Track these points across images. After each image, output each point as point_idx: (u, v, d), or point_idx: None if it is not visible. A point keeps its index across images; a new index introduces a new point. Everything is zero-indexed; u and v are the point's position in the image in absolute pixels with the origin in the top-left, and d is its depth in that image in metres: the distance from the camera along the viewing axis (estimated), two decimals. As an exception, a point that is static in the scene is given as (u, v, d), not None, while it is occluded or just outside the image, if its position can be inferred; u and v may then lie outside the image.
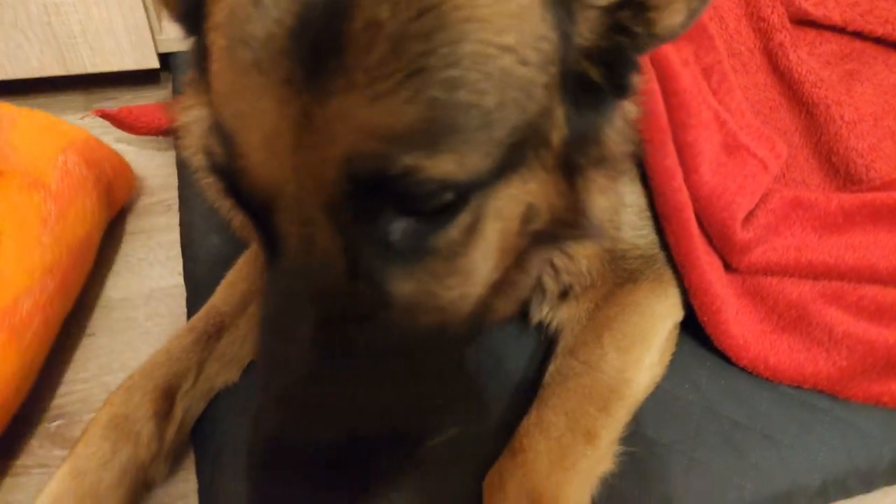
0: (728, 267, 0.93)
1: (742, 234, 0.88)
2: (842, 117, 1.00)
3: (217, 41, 0.51)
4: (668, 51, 0.86)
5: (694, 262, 0.86)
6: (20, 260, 0.91)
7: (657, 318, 0.87)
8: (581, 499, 0.73)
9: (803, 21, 1.04)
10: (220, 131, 0.52)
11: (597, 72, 0.58)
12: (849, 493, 0.86)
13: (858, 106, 1.01)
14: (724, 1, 1.02)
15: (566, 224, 0.64)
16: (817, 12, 1.02)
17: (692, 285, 0.87)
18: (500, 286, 0.65)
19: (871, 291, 0.90)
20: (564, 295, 0.86)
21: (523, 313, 0.90)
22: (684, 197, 0.84)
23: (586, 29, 0.56)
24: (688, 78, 0.85)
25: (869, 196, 0.94)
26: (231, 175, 0.51)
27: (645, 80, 0.82)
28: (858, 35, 1.05)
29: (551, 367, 0.83)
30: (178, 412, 0.82)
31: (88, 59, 1.35)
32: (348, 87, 0.45)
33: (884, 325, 0.89)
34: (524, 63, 0.51)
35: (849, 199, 0.95)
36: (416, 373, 0.57)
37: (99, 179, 1.10)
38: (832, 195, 0.96)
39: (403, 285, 0.53)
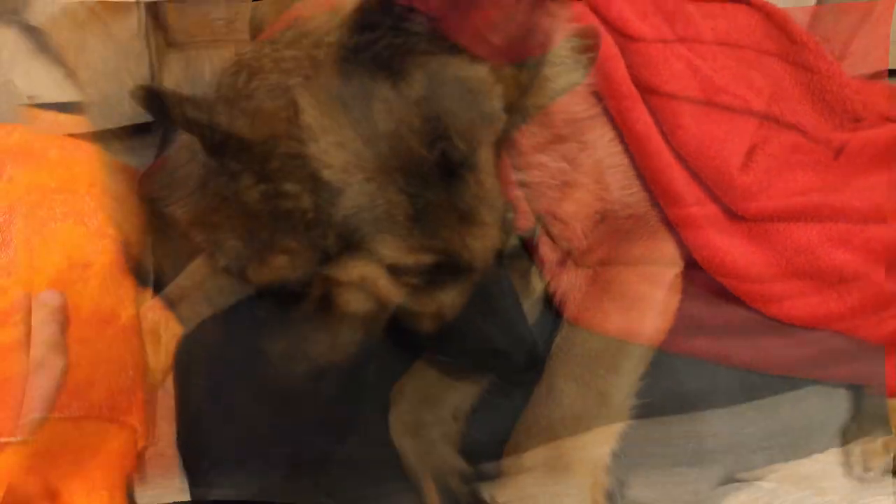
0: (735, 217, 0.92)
1: (742, 179, 0.86)
2: (832, 52, 0.98)
3: None
4: (623, 7, 0.85)
5: (684, 220, 0.85)
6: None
7: (656, 273, 0.87)
8: (598, 458, 0.75)
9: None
10: None
11: None
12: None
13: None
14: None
15: None
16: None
17: (690, 243, 0.86)
18: None
19: (877, 232, 0.89)
20: (562, 263, 0.86)
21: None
22: (664, 159, 0.83)
23: None
24: (648, 30, 0.84)
25: (871, 133, 0.93)
26: None
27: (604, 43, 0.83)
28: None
29: (557, 338, 0.83)
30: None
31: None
32: None
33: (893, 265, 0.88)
34: None
35: (851, 138, 0.93)
36: None
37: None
38: (832, 135, 0.94)
39: None
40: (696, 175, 0.88)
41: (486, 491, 0.78)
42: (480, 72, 0.71)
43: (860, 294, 0.86)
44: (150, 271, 1.06)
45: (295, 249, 0.71)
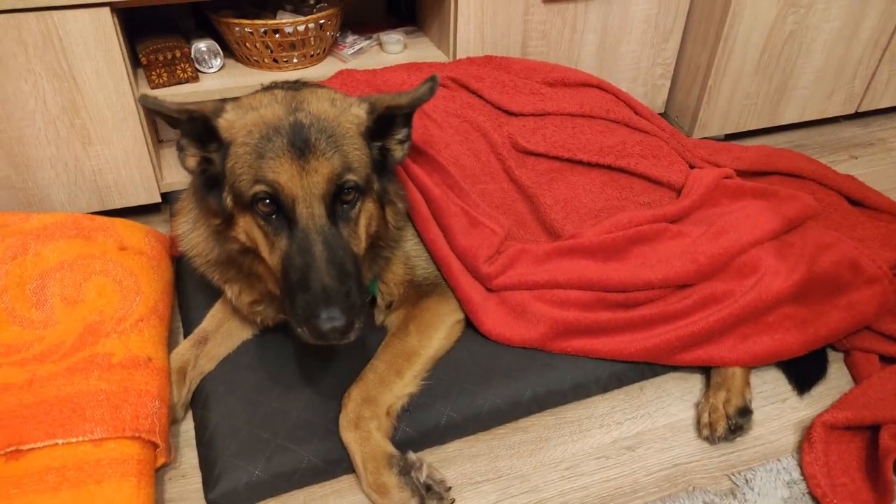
0: (489, 289, 1.72)
1: (486, 269, 1.68)
2: (545, 203, 1.83)
3: (244, 148, 1.29)
4: (425, 179, 1.68)
5: (458, 288, 1.65)
6: (150, 286, 1.69)
7: (442, 314, 1.65)
8: (392, 403, 1.48)
9: (527, 152, 1.89)
10: (262, 182, 1.25)
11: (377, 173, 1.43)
12: (550, 404, 1.61)
13: (556, 196, 1.85)
14: (477, 145, 1.87)
15: (381, 231, 1.48)
16: (531, 147, 1.88)
17: (461, 300, 1.66)
18: (364, 258, 1.45)
19: (557, 293, 1.69)
20: (389, 306, 1.64)
21: (372, 318, 1.68)
22: (444, 254, 1.64)
23: (374, 152, 1.42)
24: (438, 191, 1.67)
25: (557, 244, 1.75)
26: (272, 194, 1.26)
27: (413, 193, 1.65)
28: (556, 158, 1.90)
29: (383, 343, 1.59)
30: (188, 381, 1.57)
31: (119, 199, 2.16)
32: (318, 155, 1.27)
33: (563, 309, 1.67)
34: (362, 150, 1.36)
35: (549, 246, 1.76)
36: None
37: (164, 246, 1.89)
38: (541, 245, 1.77)
39: (345, 232, 1.32)
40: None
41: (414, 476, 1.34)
42: None
43: (545, 326, 1.64)
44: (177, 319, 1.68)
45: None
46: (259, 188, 1.26)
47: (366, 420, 1.42)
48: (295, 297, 1.24)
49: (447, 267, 1.65)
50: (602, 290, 1.69)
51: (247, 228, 1.34)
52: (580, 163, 1.90)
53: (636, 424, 1.61)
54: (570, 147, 1.90)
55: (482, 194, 1.84)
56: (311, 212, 1.27)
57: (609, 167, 1.91)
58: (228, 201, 1.34)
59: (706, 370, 1.72)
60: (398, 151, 1.49)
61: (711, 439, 1.56)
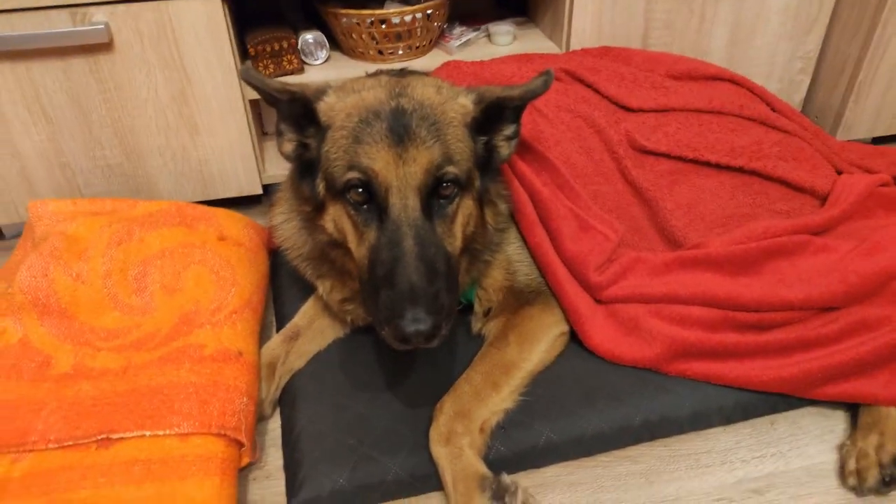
0: (599, 301, 1.56)
1: (595, 278, 1.52)
2: (666, 208, 1.64)
3: (341, 132, 1.23)
4: (533, 178, 1.54)
5: (564, 297, 1.50)
6: (246, 278, 1.66)
7: (545, 325, 1.51)
8: (486, 419, 1.35)
9: (646, 151, 1.71)
10: (356, 168, 1.19)
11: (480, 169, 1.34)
12: (664, 433, 1.43)
13: (678, 200, 1.65)
14: (590, 143, 1.70)
15: (479, 233, 1.38)
16: (651, 146, 1.69)
17: (565, 310, 1.51)
18: (462, 261, 1.36)
19: (676, 309, 1.50)
20: (487, 314, 1.52)
21: (468, 327, 1.56)
22: (550, 259, 1.50)
23: (478, 146, 1.31)
24: (547, 191, 1.53)
25: (678, 253, 1.56)
26: (365, 182, 1.19)
27: (519, 193, 1.52)
28: (679, 158, 1.70)
29: (480, 353, 1.47)
30: (277, 377, 1.52)
31: (222, 189, 2.17)
32: (418, 143, 1.19)
33: (684, 328, 1.48)
34: (466, 143, 1.26)
35: (669, 256, 1.57)
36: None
37: (262, 239, 1.87)
38: (659, 255, 1.58)
39: (440, 229, 1.23)
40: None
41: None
42: None
43: (661, 345, 1.46)
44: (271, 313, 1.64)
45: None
46: (352, 175, 1.20)
47: (458, 435, 1.31)
48: (379, 294, 1.16)
49: (552, 274, 1.51)
50: (730, 309, 1.49)
51: (336, 217, 1.28)
52: (707, 164, 1.70)
53: (765, 464, 1.40)
54: (696, 146, 1.70)
55: (594, 196, 1.68)
56: (404, 203, 1.18)
57: (741, 170, 1.70)
58: (321, 188, 1.28)
59: (852, 407, 1.47)
60: (504, 148, 1.37)
61: (860, 490, 1.32)
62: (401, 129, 1.19)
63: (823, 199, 1.72)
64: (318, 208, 1.31)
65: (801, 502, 1.32)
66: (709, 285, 1.51)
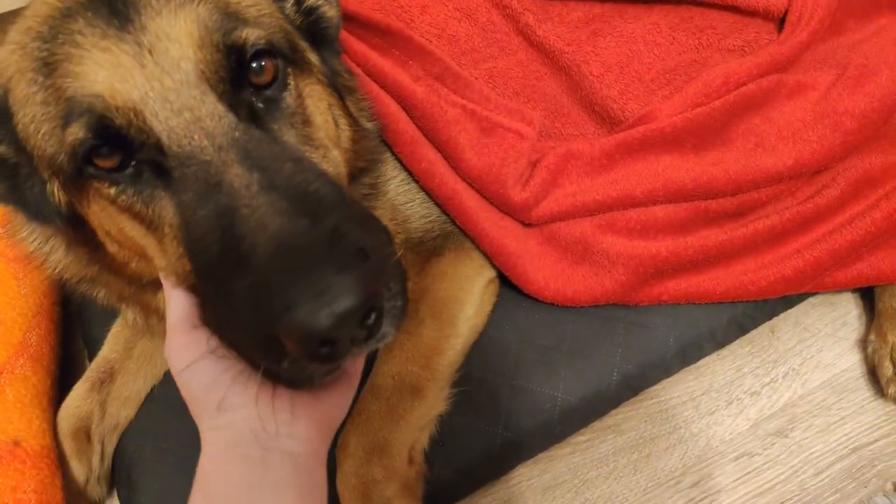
0: (528, 224, 1.12)
1: (518, 196, 1.06)
2: (591, 73, 1.17)
3: (23, 80, 0.66)
4: (398, 74, 1.03)
5: (479, 234, 1.04)
6: (13, 307, 1.09)
7: (465, 279, 1.06)
8: (413, 442, 0.92)
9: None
10: (75, 113, 0.63)
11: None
12: (649, 382, 1.06)
13: (604, 59, 1.19)
14: (471, 0, 1.18)
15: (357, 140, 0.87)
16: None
17: (487, 251, 1.06)
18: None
19: (634, 214, 1.09)
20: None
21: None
22: (449, 188, 1.02)
23: (291, 11, 0.82)
24: (422, 89, 1.03)
25: (621, 136, 1.12)
26: (104, 129, 0.63)
27: (383, 102, 1.01)
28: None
29: (383, 347, 1.01)
30: (96, 444, 1.03)
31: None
32: (157, 6, 0.66)
33: (649, 238, 1.08)
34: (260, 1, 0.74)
35: (608, 141, 1.13)
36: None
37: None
38: (595, 141, 1.14)
39: (288, 135, 0.69)
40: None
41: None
42: None
43: (625, 269, 1.06)
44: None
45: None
46: (75, 130, 0.63)
47: (379, 486, 0.88)
48: (235, 301, 0.57)
49: (458, 205, 1.04)
50: (703, 198, 1.09)
51: (107, 224, 0.72)
52: (632, 0, 1.23)
53: (779, 392, 1.07)
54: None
55: (489, 77, 1.19)
56: (191, 117, 0.63)
57: (676, 0, 1.24)
58: (57, 193, 0.72)
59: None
60: (327, 9, 0.85)
61: (903, 399, 1.03)
62: (117, 4, 0.64)
63: (780, 22, 1.31)
64: (75, 225, 0.75)
65: (834, 434, 1.02)
66: (669, 172, 1.09)
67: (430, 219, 1.06)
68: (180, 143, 0.63)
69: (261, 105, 0.69)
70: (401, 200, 1.03)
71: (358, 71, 1.03)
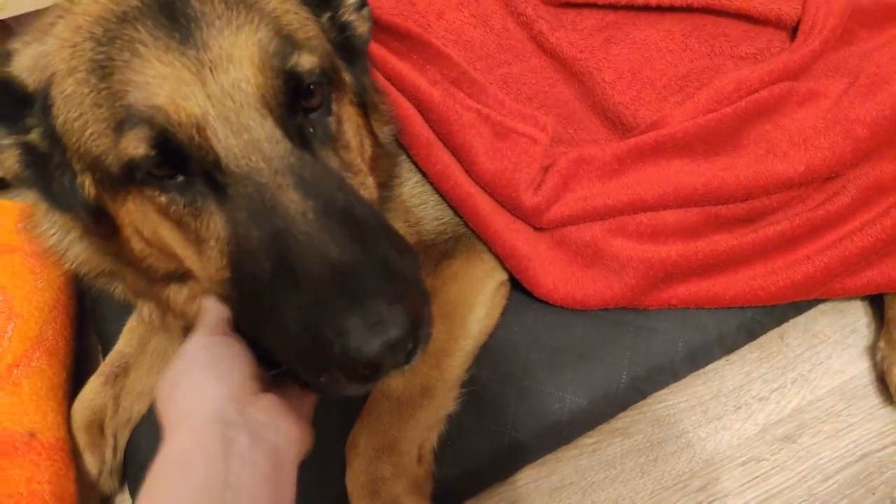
0: (539, 228, 1.13)
1: (531, 200, 1.07)
2: (603, 80, 1.19)
3: (73, 79, 0.68)
4: (415, 78, 1.04)
5: (493, 236, 1.05)
6: (30, 301, 1.11)
7: (476, 282, 1.07)
8: (422, 441, 0.93)
9: (563, 4, 1.23)
10: (132, 122, 0.64)
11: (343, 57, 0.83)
12: (657, 386, 1.07)
13: (617, 66, 1.20)
14: (486, 6, 1.20)
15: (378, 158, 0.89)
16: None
17: (499, 254, 1.07)
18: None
19: (644, 218, 1.10)
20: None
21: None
22: (463, 190, 1.03)
23: (327, 27, 0.83)
24: (439, 93, 1.04)
25: (633, 141, 1.13)
26: (160, 137, 0.64)
27: (400, 105, 1.02)
28: (611, 7, 1.23)
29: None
30: (109, 437, 1.04)
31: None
32: (222, 21, 0.68)
33: (659, 243, 1.09)
34: (301, 13, 0.76)
35: (620, 146, 1.14)
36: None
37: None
38: (607, 146, 1.15)
39: (332, 161, 0.72)
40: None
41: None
42: None
43: (634, 272, 1.06)
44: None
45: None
46: (132, 141, 0.65)
47: (387, 482, 0.89)
48: (284, 320, 0.61)
49: (472, 208, 1.05)
50: (713, 203, 1.10)
51: (139, 225, 0.73)
52: (646, 8, 1.24)
53: (788, 397, 1.08)
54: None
55: (503, 82, 1.20)
56: (247, 136, 0.65)
57: (689, 8, 1.25)
58: (87, 187, 0.73)
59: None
60: (360, 24, 0.87)
61: (912, 406, 1.03)
62: (178, 17, 0.66)
63: (792, 30, 1.31)
64: (99, 218, 0.76)
65: (842, 440, 1.02)
66: (680, 177, 1.10)
67: (443, 221, 1.07)
68: (238, 163, 0.65)
69: (310, 129, 0.72)
70: (414, 202, 1.04)
71: (379, 79, 1.04)
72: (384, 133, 0.94)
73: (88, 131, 0.68)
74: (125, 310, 1.16)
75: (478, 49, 1.19)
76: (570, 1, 1.22)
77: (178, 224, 0.70)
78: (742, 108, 1.13)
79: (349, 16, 0.86)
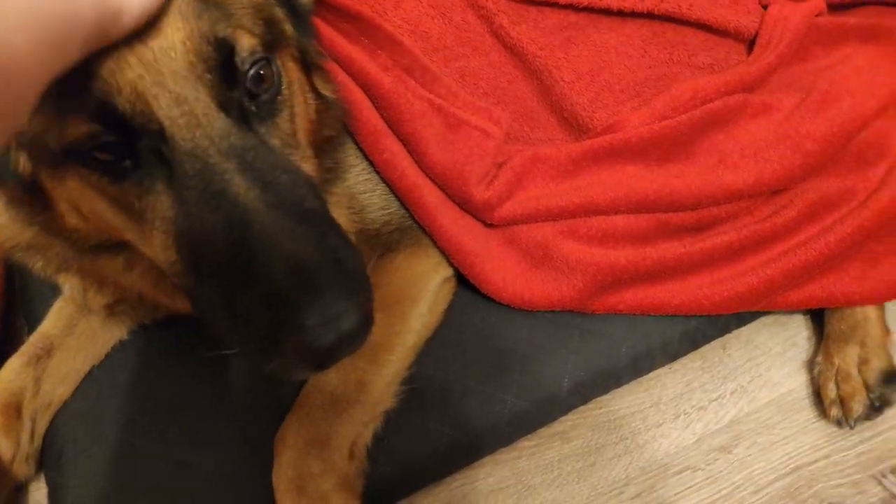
0: (490, 225, 1.11)
1: (481, 195, 1.05)
2: (562, 79, 1.17)
3: None
4: (365, 62, 1.01)
5: (439, 230, 1.03)
6: None
7: (419, 276, 1.04)
8: (355, 437, 0.90)
9: (526, 0, 1.21)
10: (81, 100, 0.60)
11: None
12: (599, 391, 1.06)
13: (576, 67, 1.19)
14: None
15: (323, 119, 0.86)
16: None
17: (445, 249, 1.05)
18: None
19: (596, 222, 1.09)
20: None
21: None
22: (410, 181, 1.01)
23: None
24: (389, 80, 1.01)
25: (588, 143, 1.12)
26: (107, 117, 0.61)
27: (349, 90, 0.99)
28: (570, 6, 1.22)
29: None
30: (26, 421, 0.98)
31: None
32: None
33: (608, 247, 1.08)
34: None
35: (575, 148, 1.13)
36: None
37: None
38: (563, 147, 1.14)
39: (273, 138, 0.69)
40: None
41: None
42: None
43: (583, 276, 1.05)
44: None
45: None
46: (78, 121, 0.61)
47: (315, 478, 0.86)
48: (238, 307, 0.62)
49: (418, 200, 1.03)
50: (664, 210, 1.09)
51: (77, 201, 0.70)
52: (607, 11, 1.23)
53: (726, 408, 1.08)
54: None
55: (461, 76, 1.18)
56: (188, 110, 0.62)
57: (650, 15, 1.24)
58: (23, 163, 0.68)
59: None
60: None
61: (845, 421, 1.04)
62: None
63: (749, 43, 1.33)
64: (31, 191, 0.72)
65: (776, 452, 1.03)
66: (633, 182, 1.10)
67: (389, 211, 1.04)
68: (183, 135, 0.62)
69: (253, 108, 0.69)
70: (359, 189, 1.01)
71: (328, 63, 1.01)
72: (328, 91, 0.90)
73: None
74: (54, 290, 1.10)
75: (435, 41, 1.16)
76: (533, -2, 1.20)
77: (118, 203, 0.67)
78: (696, 116, 1.13)
79: None
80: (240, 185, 0.62)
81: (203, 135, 0.63)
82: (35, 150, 0.67)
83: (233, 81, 0.66)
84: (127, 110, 0.61)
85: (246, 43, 0.67)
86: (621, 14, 1.24)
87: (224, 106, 0.65)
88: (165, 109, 0.62)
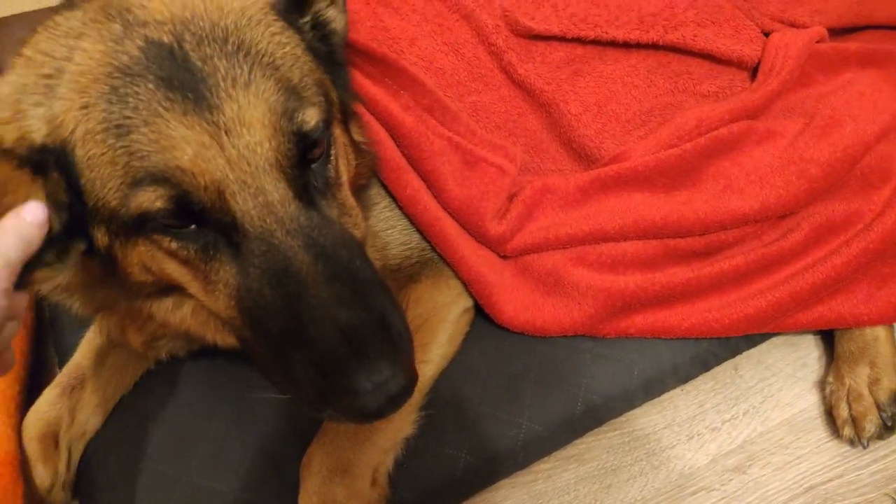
0: (504, 256, 1.15)
1: (495, 229, 1.10)
2: (570, 112, 1.22)
3: (89, 133, 0.67)
4: (388, 103, 1.06)
5: (458, 261, 1.07)
6: None
7: (440, 307, 1.08)
8: (377, 464, 0.94)
9: (533, 36, 1.26)
10: (150, 180, 0.65)
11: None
12: (613, 414, 1.09)
13: (583, 99, 1.23)
14: (458, 35, 1.23)
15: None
16: (539, 27, 1.24)
17: (464, 279, 1.08)
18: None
19: (605, 249, 1.12)
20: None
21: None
22: (432, 215, 1.05)
23: (309, 36, 0.82)
24: (411, 119, 1.06)
25: (595, 172, 1.16)
26: (177, 199, 0.66)
27: (373, 129, 1.03)
28: (577, 40, 1.27)
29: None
30: (63, 450, 1.02)
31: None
32: (232, 86, 0.68)
33: (618, 273, 1.11)
34: (294, 46, 0.76)
35: (583, 177, 1.17)
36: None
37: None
38: (571, 177, 1.18)
39: (332, 209, 0.75)
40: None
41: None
42: None
43: (594, 301, 1.08)
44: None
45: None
46: (148, 196, 0.66)
47: (340, 504, 0.89)
48: (294, 366, 0.68)
49: (439, 233, 1.07)
50: (672, 236, 1.13)
51: (147, 262, 0.74)
52: (613, 44, 1.27)
53: (739, 428, 1.10)
54: (597, 20, 1.26)
55: (473, 110, 1.23)
56: (264, 202, 0.68)
57: (655, 46, 1.29)
58: (101, 237, 0.73)
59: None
60: (336, 19, 0.87)
61: (858, 441, 1.05)
62: (185, 75, 0.66)
63: (752, 71, 1.36)
64: (106, 262, 0.75)
65: (790, 472, 1.05)
66: (640, 210, 1.13)
67: (410, 246, 1.08)
68: (254, 223, 0.68)
69: (313, 182, 0.74)
70: (381, 227, 1.06)
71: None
72: (361, 137, 0.94)
73: (107, 187, 0.68)
74: (83, 322, 1.15)
75: (449, 76, 1.22)
76: (540, 34, 1.25)
77: (186, 263, 0.73)
78: (702, 144, 1.17)
79: (326, 10, 0.86)
80: (303, 262, 0.68)
81: (274, 220, 0.68)
82: (112, 223, 0.71)
83: (305, 166, 0.71)
84: (206, 205, 0.67)
85: (312, 119, 0.71)
86: (627, 46, 1.29)
87: (297, 191, 0.70)
88: (241, 204, 0.67)
